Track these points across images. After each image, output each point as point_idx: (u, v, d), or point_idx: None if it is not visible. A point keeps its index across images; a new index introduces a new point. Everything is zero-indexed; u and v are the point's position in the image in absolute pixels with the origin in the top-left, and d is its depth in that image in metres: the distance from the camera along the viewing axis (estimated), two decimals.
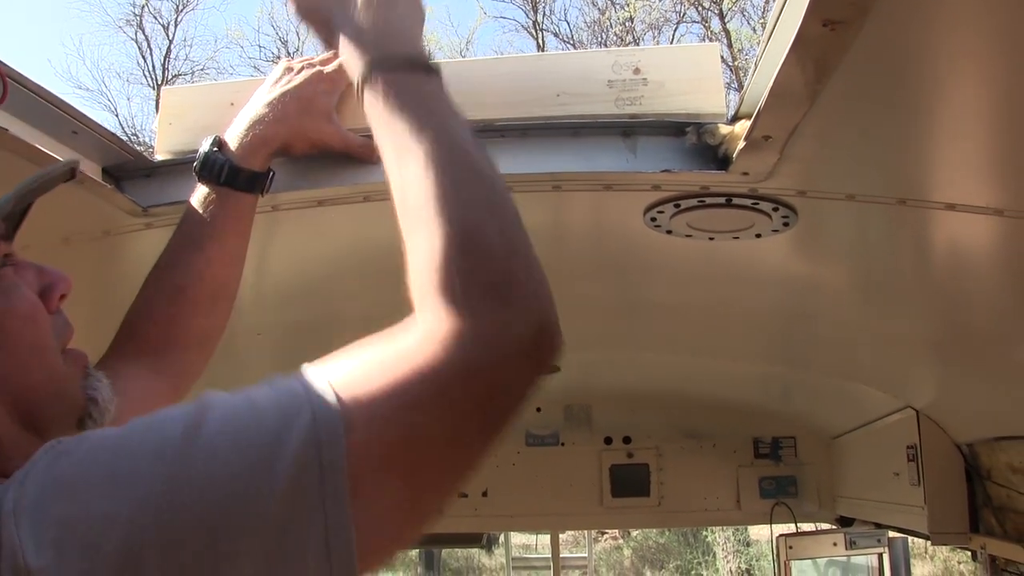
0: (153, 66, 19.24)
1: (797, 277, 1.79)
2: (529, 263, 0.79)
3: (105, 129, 1.27)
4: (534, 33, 18.60)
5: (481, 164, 0.86)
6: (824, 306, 1.97)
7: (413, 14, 1.05)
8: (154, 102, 18.60)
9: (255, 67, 19.37)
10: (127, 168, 1.33)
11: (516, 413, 0.75)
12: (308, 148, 1.26)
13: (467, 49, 19.05)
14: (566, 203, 1.42)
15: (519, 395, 0.75)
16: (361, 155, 1.27)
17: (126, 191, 1.33)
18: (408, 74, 0.95)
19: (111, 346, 1.21)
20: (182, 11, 19.43)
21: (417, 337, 0.73)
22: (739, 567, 13.99)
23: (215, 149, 1.22)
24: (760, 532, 13.74)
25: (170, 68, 19.20)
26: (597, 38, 18.11)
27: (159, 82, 18.92)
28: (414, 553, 17.26)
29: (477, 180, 0.85)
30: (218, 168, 1.20)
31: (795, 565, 3.45)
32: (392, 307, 1.97)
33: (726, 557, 14.22)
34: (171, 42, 19.35)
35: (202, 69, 19.54)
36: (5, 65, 1.02)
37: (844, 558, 3.70)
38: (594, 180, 1.28)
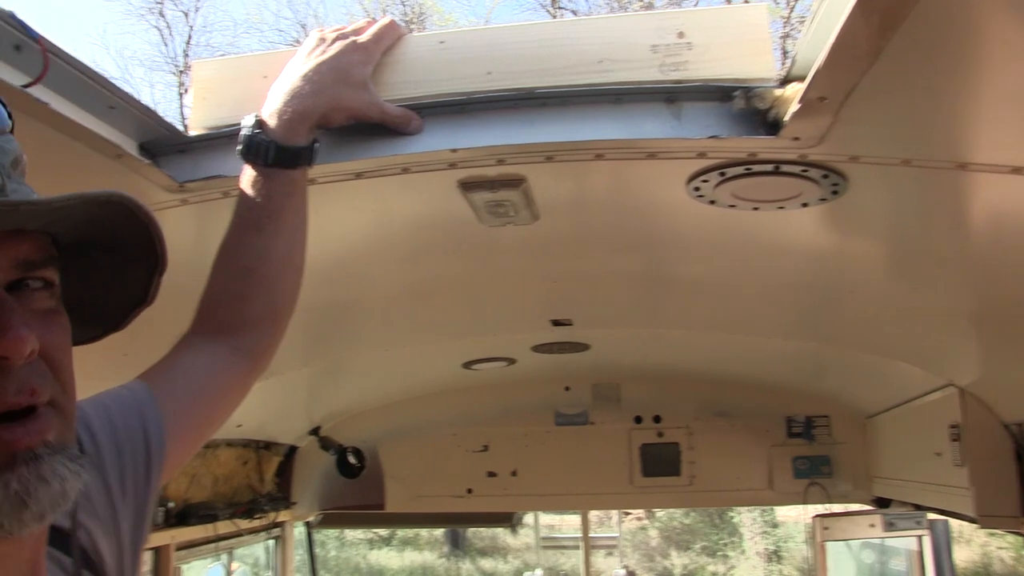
0: (175, 53, 19.27)
1: (836, 249, 1.74)
2: None
3: (141, 104, 1.24)
4: (552, 12, 18.42)
5: None
6: (862, 279, 1.93)
7: None
8: (176, 88, 18.65)
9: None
10: (163, 144, 1.31)
11: None
12: (346, 119, 1.24)
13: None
14: (607, 173, 1.38)
15: None
16: (398, 124, 1.25)
17: (162, 167, 1.31)
18: None
19: (192, 326, 1.25)
20: None
21: None
22: (766, 548, 13.95)
23: (257, 131, 1.21)
24: (787, 513, 13.68)
25: (191, 54, 19.21)
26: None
27: (181, 69, 18.95)
28: (440, 532, 17.38)
29: None
30: (264, 149, 1.21)
31: (830, 547, 3.42)
32: (421, 284, 1.94)
33: (753, 538, 14.18)
34: (192, 28, 19.35)
35: (222, 55, 19.48)
36: (46, 40, 1.00)
37: (879, 541, 3.67)
38: (637, 148, 1.24)
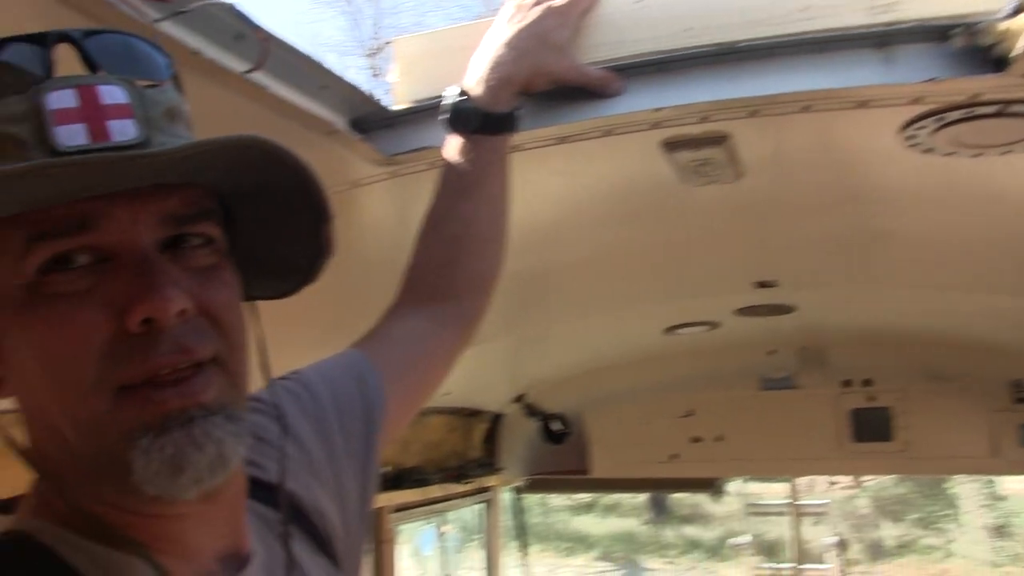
0: (364, 37, 20.05)
1: None
2: None
3: (349, 83, 1.32)
4: None
5: None
6: None
7: None
8: (368, 71, 19.39)
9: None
10: (370, 120, 1.38)
11: None
12: (548, 83, 1.27)
13: None
14: (814, 126, 1.35)
15: None
16: (599, 86, 1.26)
17: (371, 141, 1.38)
18: None
19: (399, 297, 1.27)
20: None
21: None
22: (990, 522, 13.13)
23: (463, 99, 1.25)
24: (1013, 486, 12.80)
25: (380, 36, 19.93)
26: None
27: (371, 52, 19.70)
28: (642, 500, 17.44)
29: None
30: (469, 117, 1.24)
31: None
32: (617, 248, 1.95)
33: (973, 511, 13.37)
34: (379, 11, 20.06)
35: (410, 35, 20.17)
36: (264, 30, 1.08)
37: None
38: (846, 98, 1.20)
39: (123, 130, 0.68)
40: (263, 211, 0.83)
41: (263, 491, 0.92)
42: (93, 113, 0.68)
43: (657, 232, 2.01)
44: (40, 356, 0.69)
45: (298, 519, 0.96)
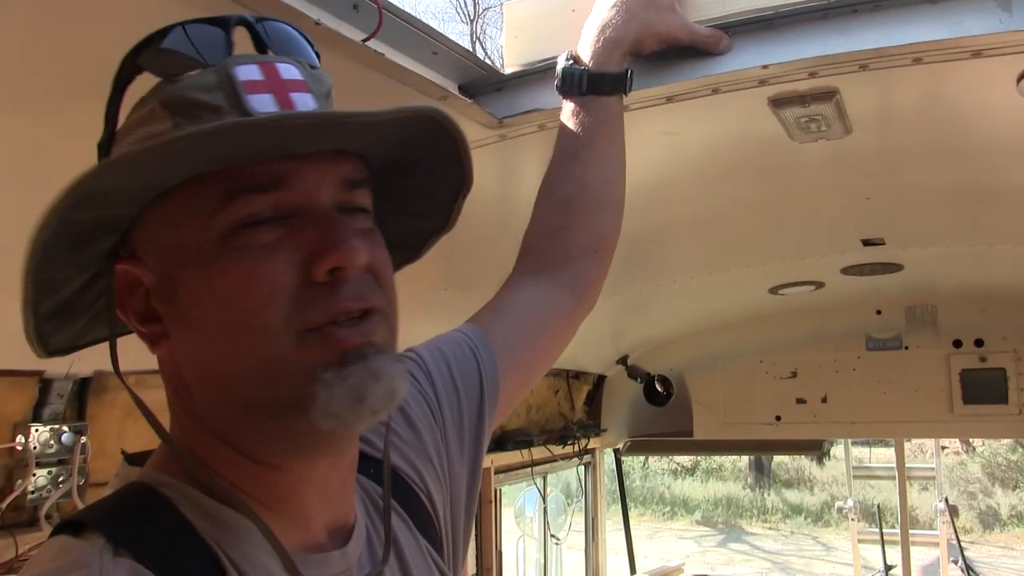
0: (464, 2, 20.09)
1: None
2: None
3: (461, 47, 1.36)
4: None
5: None
6: None
7: None
8: (468, 37, 19.45)
9: None
10: (479, 84, 1.42)
11: None
12: (657, 43, 1.28)
13: None
14: (926, 78, 1.33)
15: None
16: (708, 45, 1.27)
17: (482, 105, 1.42)
18: None
19: (517, 265, 1.28)
20: None
21: None
22: None
23: (571, 63, 1.27)
24: None
25: (480, 3, 19.96)
26: None
27: (471, 17, 19.74)
28: (743, 464, 17.29)
29: None
30: (577, 79, 1.25)
31: None
32: (726, 206, 1.97)
33: None
34: None
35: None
36: None
37: None
38: (960, 48, 1.19)
39: (304, 101, 0.76)
40: (399, 184, 0.90)
41: (371, 466, 0.96)
42: (277, 86, 0.76)
43: (764, 190, 2.01)
44: (230, 303, 0.74)
45: (402, 497, 0.99)
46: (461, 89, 1.41)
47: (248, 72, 0.75)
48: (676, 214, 2.17)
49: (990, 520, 13.58)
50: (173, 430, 0.83)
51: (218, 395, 0.78)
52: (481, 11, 19.41)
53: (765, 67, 1.25)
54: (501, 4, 20.04)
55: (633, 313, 3.36)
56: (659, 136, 1.61)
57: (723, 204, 2.10)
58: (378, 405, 0.76)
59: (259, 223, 0.74)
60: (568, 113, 1.28)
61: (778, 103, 1.39)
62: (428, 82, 1.28)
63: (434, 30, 1.29)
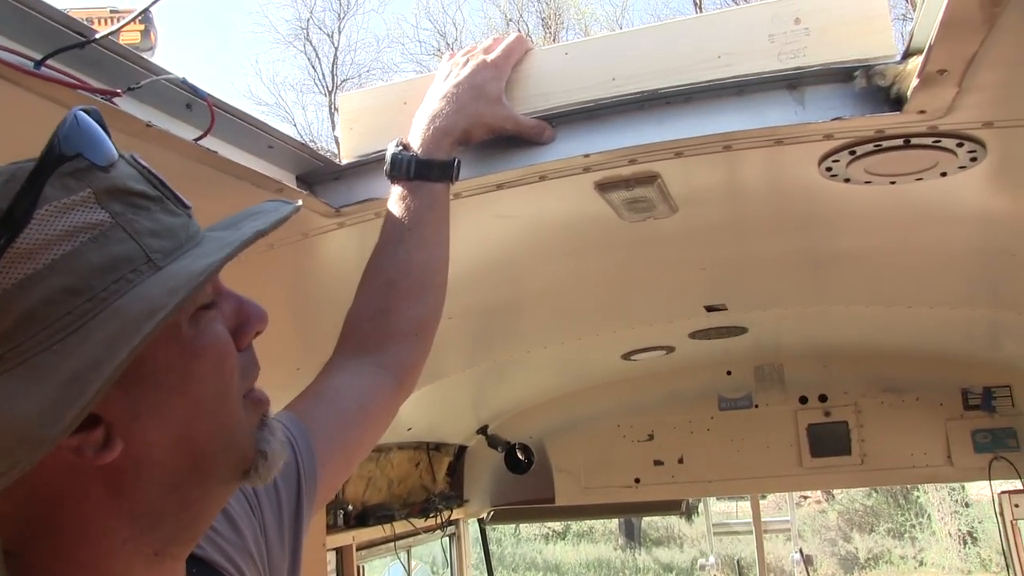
0: (323, 74, 20.19)
1: (995, 212, 1.70)
2: None
3: (296, 141, 1.37)
4: None
5: None
6: None
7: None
8: (327, 108, 19.49)
9: (417, 62, 20.02)
10: (318, 174, 1.43)
11: None
12: (485, 133, 1.33)
13: (622, 17, 18.83)
14: (738, 163, 1.42)
15: None
16: (533, 134, 1.32)
17: (319, 195, 1.43)
18: None
19: (338, 347, 1.29)
20: (344, 18, 20.29)
21: None
22: (959, 529, 13.27)
23: (400, 149, 1.31)
24: (981, 492, 12.95)
25: (338, 74, 20.09)
26: None
27: (329, 88, 19.85)
28: (614, 524, 17.41)
29: None
30: (406, 164, 1.29)
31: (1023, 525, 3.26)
32: (574, 280, 2.01)
33: (943, 519, 13.52)
34: (337, 49, 20.26)
35: (368, 71, 20.39)
36: (213, 97, 1.13)
37: None
38: (764, 136, 1.27)
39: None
40: None
41: (194, 565, 0.94)
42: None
43: (605, 264, 2.07)
44: (206, 378, 0.78)
45: None
46: (299, 180, 1.42)
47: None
48: (525, 288, 2.22)
49: (850, 564, 14.09)
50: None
51: (181, 476, 0.78)
52: (339, 82, 19.52)
53: (587, 155, 1.30)
54: (359, 75, 20.26)
55: (491, 383, 3.38)
56: (499, 219, 1.65)
57: (568, 277, 2.15)
58: (279, 467, 0.85)
59: (207, 306, 0.79)
60: (395, 198, 1.31)
61: (604, 187, 1.45)
62: (264, 176, 1.28)
63: (268, 125, 1.29)
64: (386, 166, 1.31)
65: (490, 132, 1.33)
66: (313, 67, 20.34)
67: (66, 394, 0.66)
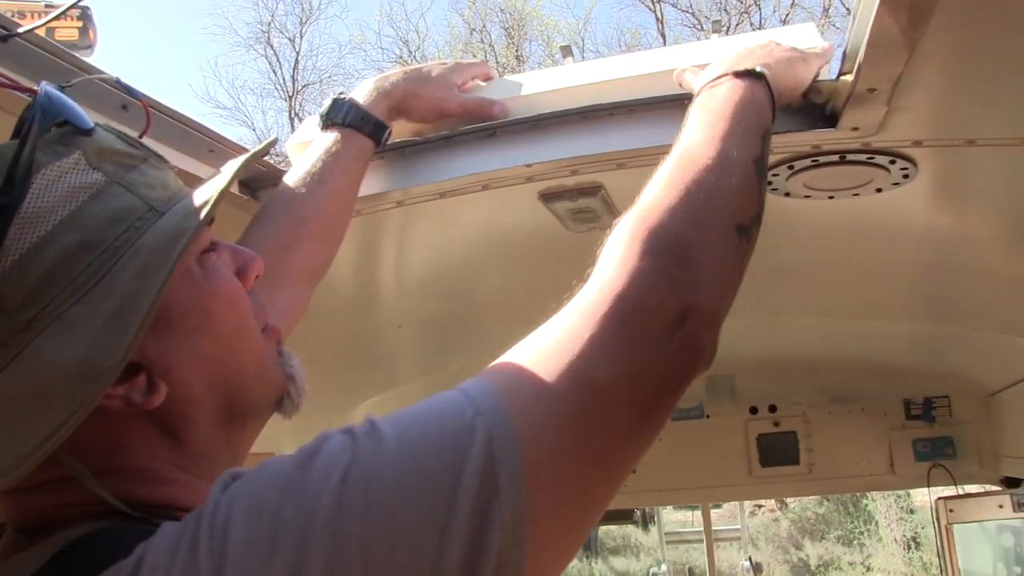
0: (283, 79, 20.06)
1: (931, 228, 1.74)
2: (722, 257, 0.86)
3: (238, 145, 1.36)
4: (652, 6, 18.32)
5: (744, 164, 0.92)
6: (967, 256, 1.90)
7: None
8: (287, 114, 19.36)
9: (379, 68, 19.94)
10: (261, 179, 1.42)
11: (670, 404, 0.78)
12: (427, 108, 1.34)
13: (585, 29, 18.96)
14: None
15: (671, 385, 0.78)
16: (477, 113, 1.34)
17: (260, 200, 1.42)
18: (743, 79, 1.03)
19: None
20: (306, 23, 20.20)
21: (577, 317, 0.78)
22: (904, 535, 13.49)
23: (342, 96, 1.33)
24: (925, 499, 13.19)
25: (299, 79, 19.97)
26: (717, 3, 17.69)
27: (290, 93, 19.73)
28: None
29: (734, 163, 0.91)
30: (345, 110, 1.30)
31: (958, 529, 3.33)
32: (524, 290, 2.02)
33: (889, 525, 13.73)
34: (298, 54, 20.16)
35: (329, 76, 20.30)
36: (148, 97, 1.13)
37: (1020, 521, 3.53)
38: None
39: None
40: None
41: None
42: None
43: (554, 274, 2.06)
44: (225, 316, 0.82)
45: None
46: (242, 185, 1.41)
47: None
48: (477, 298, 2.22)
49: (801, 571, 14.25)
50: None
51: (221, 413, 0.82)
52: (300, 87, 19.42)
53: (529, 165, 1.31)
54: (321, 80, 20.16)
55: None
56: (446, 227, 1.66)
57: (518, 287, 2.16)
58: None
59: (209, 250, 0.84)
60: (325, 142, 1.29)
61: (548, 197, 1.46)
62: (204, 180, 1.27)
63: (208, 128, 1.28)
64: (323, 109, 1.32)
65: (432, 108, 1.34)
66: (274, 71, 20.22)
67: (112, 329, 0.70)
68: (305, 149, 1.33)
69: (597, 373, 0.72)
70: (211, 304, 0.81)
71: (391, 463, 0.64)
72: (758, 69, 1.03)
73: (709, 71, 1.09)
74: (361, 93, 1.34)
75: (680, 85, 1.24)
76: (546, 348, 0.75)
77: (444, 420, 0.67)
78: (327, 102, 1.32)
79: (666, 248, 0.80)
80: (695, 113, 1.01)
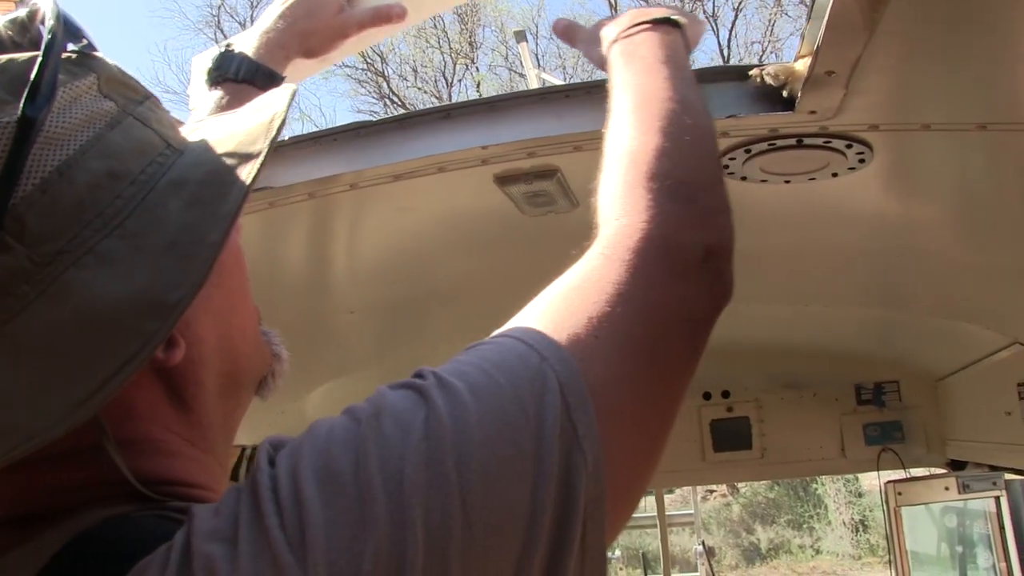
0: None
1: (885, 214, 1.75)
2: (720, 194, 0.84)
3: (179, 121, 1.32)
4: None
5: (700, 105, 0.92)
6: (918, 242, 1.92)
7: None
8: None
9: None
10: None
11: (707, 336, 0.78)
12: (327, 42, 1.23)
13: (539, 16, 18.91)
14: None
15: (710, 315, 0.78)
16: (378, 21, 1.23)
17: None
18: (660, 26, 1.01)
19: None
20: (256, 6, 19.87)
21: (601, 257, 0.77)
22: (852, 518, 13.76)
23: (229, 49, 1.18)
24: (872, 482, 13.46)
25: None
26: None
27: None
28: None
29: (695, 104, 0.90)
30: (236, 64, 1.15)
31: (906, 511, 3.39)
32: (479, 276, 2.01)
33: (838, 509, 13.99)
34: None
35: None
36: None
37: (961, 503, 3.61)
38: None
39: None
40: None
41: None
42: None
43: (510, 259, 2.06)
44: (234, 288, 0.78)
45: None
46: None
47: None
48: (431, 282, 2.20)
49: (752, 555, 14.46)
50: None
51: (222, 381, 0.77)
52: None
53: (484, 147, 1.30)
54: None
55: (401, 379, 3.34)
56: (401, 211, 1.63)
57: (474, 272, 2.14)
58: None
59: None
60: (215, 105, 1.13)
61: (503, 181, 1.44)
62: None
63: None
64: (210, 66, 1.15)
65: (331, 39, 1.23)
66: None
67: (169, 262, 0.63)
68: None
69: (651, 296, 0.71)
70: (224, 255, 0.71)
71: (474, 417, 0.59)
72: (674, 17, 1.02)
73: (619, 22, 1.04)
74: (249, 46, 1.18)
75: (569, 34, 1.20)
76: (583, 290, 0.73)
77: (514, 369, 0.63)
78: (212, 55, 1.17)
79: (674, 193, 0.79)
80: (627, 59, 0.98)
